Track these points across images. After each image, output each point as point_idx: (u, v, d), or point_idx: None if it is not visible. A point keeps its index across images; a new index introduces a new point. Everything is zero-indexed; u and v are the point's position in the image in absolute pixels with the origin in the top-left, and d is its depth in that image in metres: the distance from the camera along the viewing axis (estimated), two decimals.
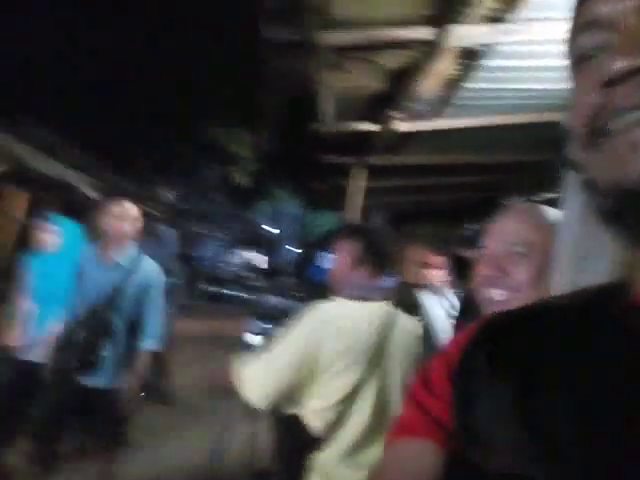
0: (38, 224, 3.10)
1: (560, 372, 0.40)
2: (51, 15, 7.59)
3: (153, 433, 4.12)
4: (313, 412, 1.48)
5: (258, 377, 1.45)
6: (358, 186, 4.52)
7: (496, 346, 0.46)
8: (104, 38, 8.56)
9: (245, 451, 2.41)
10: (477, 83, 2.92)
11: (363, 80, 3.09)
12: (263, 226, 21.86)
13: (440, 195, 5.72)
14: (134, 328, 2.53)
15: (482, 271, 0.91)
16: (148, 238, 10.81)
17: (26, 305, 3.03)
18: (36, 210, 8.74)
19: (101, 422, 2.62)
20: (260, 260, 20.76)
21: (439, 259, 2.87)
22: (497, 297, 0.88)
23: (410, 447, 0.49)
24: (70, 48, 8.42)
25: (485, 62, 2.66)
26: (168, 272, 5.83)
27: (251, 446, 2.31)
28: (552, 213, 0.89)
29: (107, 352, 2.43)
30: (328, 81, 2.93)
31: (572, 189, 0.67)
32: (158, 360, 4.83)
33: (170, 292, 5.96)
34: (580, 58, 0.41)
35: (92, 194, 7.50)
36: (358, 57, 2.71)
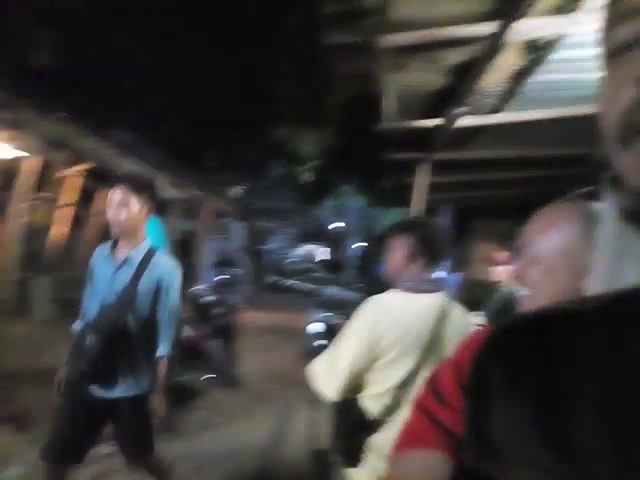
0: None
1: (587, 385, 0.36)
2: (128, 22, 8.17)
3: (223, 414, 4.39)
4: (370, 396, 1.58)
5: (327, 371, 1.60)
6: (422, 182, 4.53)
7: (513, 355, 0.42)
8: (180, 46, 9.07)
9: (305, 432, 2.54)
10: (543, 75, 2.85)
11: (425, 77, 3.12)
12: (328, 221, 22.12)
13: (506, 190, 5.57)
14: (150, 331, 2.23)
15: (516, 268, 0.94)
16: (219, 233, 11.32)
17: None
18: None
19: (126, 436, 2.36)
20: (323, 253, 21.03)
21: (507, 255, 2.83)
22: (527, 297, 0.89)
23: (419, 458, 0.48)
24: (150, 55, 9.02)
25: (551, 54, 2.61)
26: (236, 265, 6.17)
27: (311, 428, 2.44)
28: (597, 210, 0.89)
29: (122, 359, 2.16)
30: (390, 80, 2.99)
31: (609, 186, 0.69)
32: (228, 347, 5.14)
33: (238, 284, 6.31)
34: (616, 50, 0.38)
35: (169, 192, 8.01)
36: (419, 56, 2.75)
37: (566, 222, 0.86)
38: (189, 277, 8.62)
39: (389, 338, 1.54)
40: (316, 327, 2.10)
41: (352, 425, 1.59)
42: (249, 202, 15.48)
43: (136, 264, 2.20)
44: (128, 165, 7.07)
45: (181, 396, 4.12)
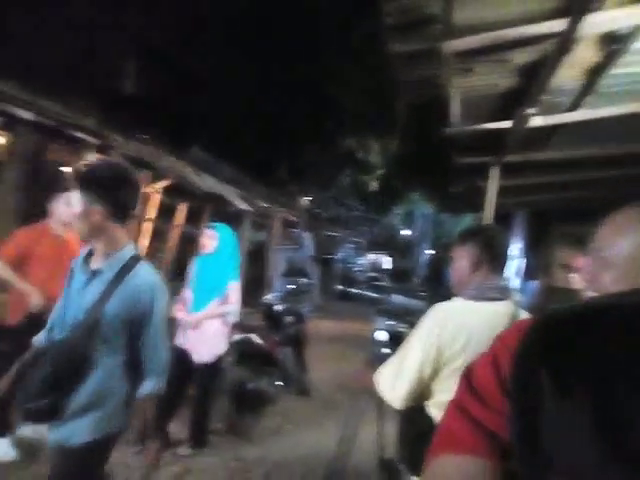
0: (200, 230, 3.61)
1: None
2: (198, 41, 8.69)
3: (293, 421, 4.48)
4: (435, 404, 1.57)
5: (393, 379, 1.61)
6: (494, 186, 4.38)
7: (563, 356, 0.40)
8: (250, 63, 9.49)
9: (374, 440, 2.53)
10: (621, 68, 2.68)
11: (493, 79, 3.04)
12: (396, 229, 21.90)
13: (585, 191, 5.23)
14: (128, 364, 1.78)
15: (587, 272, 0.91)
16: (288, 243, 11.57)
17: (188, 296, 3.56)
18: (195, 219, 10.00)
19: None
20: (389, 262, 20.82)
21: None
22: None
23: (458, 464, 0.46)
24: (222, 75, 9.52)
25: (629, 46, 2.45)
26: (306, 274, 6.27)
27: (379, 436, 2.43)
28: None
29: (77, 396, 1.67)
30: (457, 84, 2.94)
31: None
32: (298, 355, 5.23)
33: (307, 293, 6.42)
34: None
35: (242, 205, 8.33)
36: (486, 58, 2.68)
37: None
38: (260, 286, 8.91)
39: (455, 346, 1.53)
40: (382, 335, 2.10)
41: (418, 433, 1.58)
42: (317, 212, 15.72)
43: (108, 279, 1.73)
44: (203, 181, 7.44)
45: (253, 402, 4.25)
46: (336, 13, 9.22)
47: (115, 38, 7.77)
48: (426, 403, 1.61)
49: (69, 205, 3.40)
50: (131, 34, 7.94)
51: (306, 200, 14.87)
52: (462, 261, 1.70)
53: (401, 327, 2.01)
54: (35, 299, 3.11)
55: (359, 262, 18.69)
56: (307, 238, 13.71)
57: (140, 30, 7.94)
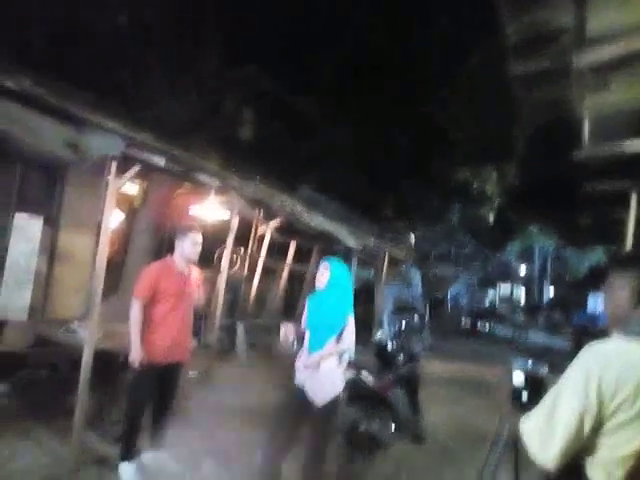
0: (309, 268, 3.62)
1: None
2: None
3: (408, 470, 4.18)
4: (598, 463, 1.30)
5: (542, 434, 1.37)
6: (634, 214, 3.86)
7: None
8: (355, 99, 9.74)
9: None
10: None
11: (632, 93, 2.70)
12: (513, 265, 20.50)
13: None
14: None
15: None
16: (397, 280, 11.34)
17: (303, 332, 3.53)
18: (304, 257, 10.26)
19: None
20: (518, 296, 19.28)
21: None
22: None
23: None
24: (326, 118, 9.91)
25: None
26: (416, 312, 6.03)
27: None
28: None
29: None
30: (590, 102, 2.66)
31: None
32: (411, 397, 4.95)
33: (418, 331, 6.14)
34: None
35: (350, 242, 8.37)
36: (625, 70, 2.39)
37: None
38: (369, 324, 8.76)
39: (622, 394, 1.27)
40: (518, 377, 1.85)
41: None
42: (426, 249, 15.29)
43: None
44: (313, 219, 7.63)
45: (365, 446, 4.06)
46: (445, 41, 9.11)
47: (233, 90, 8.48)
48: (585, 464, 1.34)
49: (194, 244, 3.66)
50: (247, 85, 8.62)
51: (414, 237, 14.57)
52: (621, 292, 1.43)
53: (541, 368, 1.75)
54: (134, 356, 3.35)
55: (483, 297, 17.55)
56: (415, 275, 13.36)
57: (255, 80, 8.59)
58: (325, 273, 3.40)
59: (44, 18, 6.50)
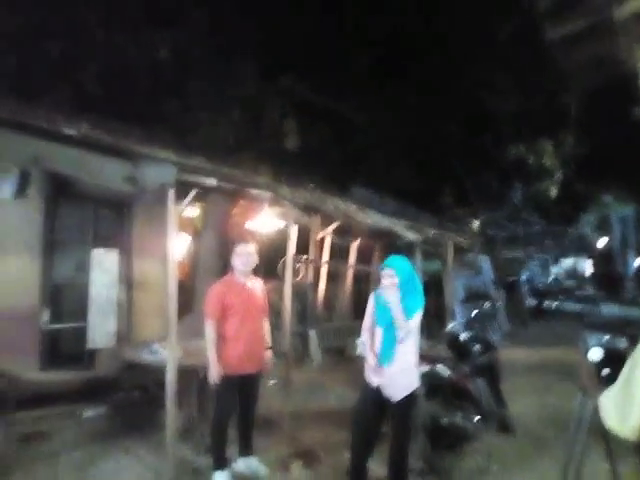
0: (372, 267, 3.61)
1: None
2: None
3: (499, 461, 4.04)
4: None
5: (621, 407, 1.31)
6: None
7: None
8: (399, 90, 9.62)
9: None
10: None
11: None
12: (588, 238, 19.24)
13: None
14: None
15: None
16: (464, 269, 11.04)
17: (370, 336, 3.51)
18: (366, 256, 10.24)
19: None
20: (586, 267, 17.99)
21: None
22: None
23: None
24: (372, 115, 9.86)
25: None
26: (488, 299, 5.81)
27: (613, 475, 2.00)
28: None
29: None
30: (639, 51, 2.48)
31: None
32: (492, 387, 4.79)
33: (493, 319, 5.92)
34: None
35: (410, 236, 8.25)
36: None
37: None
38: (441, 316, 8.59)
39: None
40: (596, 354, 1.75)
41: None
42: (492, 233, 14.74)
43: None
44: (369, 218, 7.61)
45: (450, 439, 3.97)
46: (475, 19, 8.78)
47: (273, 102, 8.67)
48: None
49: (247, 255, 3.77)
50: (286, 95, 8.78)
51: (477, 222, 14.09)
52: None
53: (619, 342, 1.64)
54: (212, 372, 3.52)
55: (550, 273, 16.60)
56: (484, 262, 12.88)
57: (293, 89, 8.74)
58: (392, 277, 3.33)
59: (90, 63, 7.00)
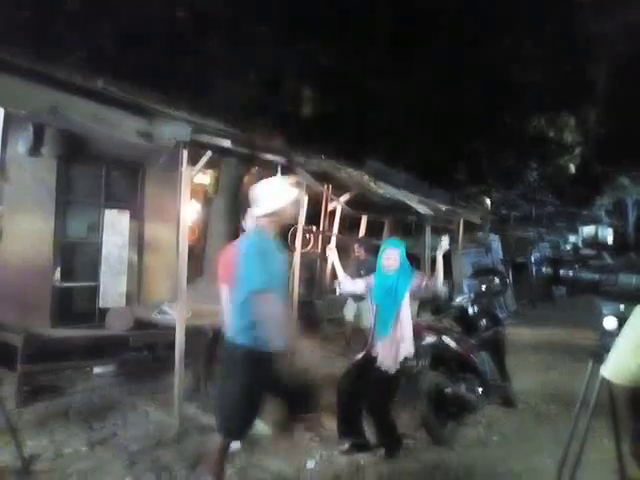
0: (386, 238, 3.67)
1: None
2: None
3: (498, 433, 4.11)
4: None
5: (617, 354, 1.31)
6: None
7: None
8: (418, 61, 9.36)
9: (606, 460, 2.12)
10: None
11: None
12: (602, 222, 18.93)
13: None
14: None
15: None
16: (474, 246, 10.97)
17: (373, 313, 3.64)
18: (376, 229, 10.18)
19: None
20: (604, 235, 17.64)
21: None
22: None
23: None
24: (388, 87, 9.64)
25: None
26: (496, 277, 5.78)
27: (618, 454, 2.01)
28: None
29: None
30: None
31: None
32: (497, 362, 4.81)
33: (500, 296, 5.87)
34: None
35: (422, 210, 8.18)
36: None
37: None
38: (449, 291, 8.57)
39: None
40: (611, 322, 1.75)
41: None
42: (505, 211, 14.58)
43: None
44: (383, 190, 7.54)
45: (452, 408, 4.02)
46: None
47: (292, 67, 8.51)
48: None
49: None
50: (306, 60, 8.60)
51: (489, 200, 13.92)
52: None
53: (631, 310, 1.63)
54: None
55: (571, 239, 16.33)
56: (494, 240, 12.77)
57: (314, 55, 8.55)
58: (395, 259, 3.56)
59: (107, 21, 6.90)
